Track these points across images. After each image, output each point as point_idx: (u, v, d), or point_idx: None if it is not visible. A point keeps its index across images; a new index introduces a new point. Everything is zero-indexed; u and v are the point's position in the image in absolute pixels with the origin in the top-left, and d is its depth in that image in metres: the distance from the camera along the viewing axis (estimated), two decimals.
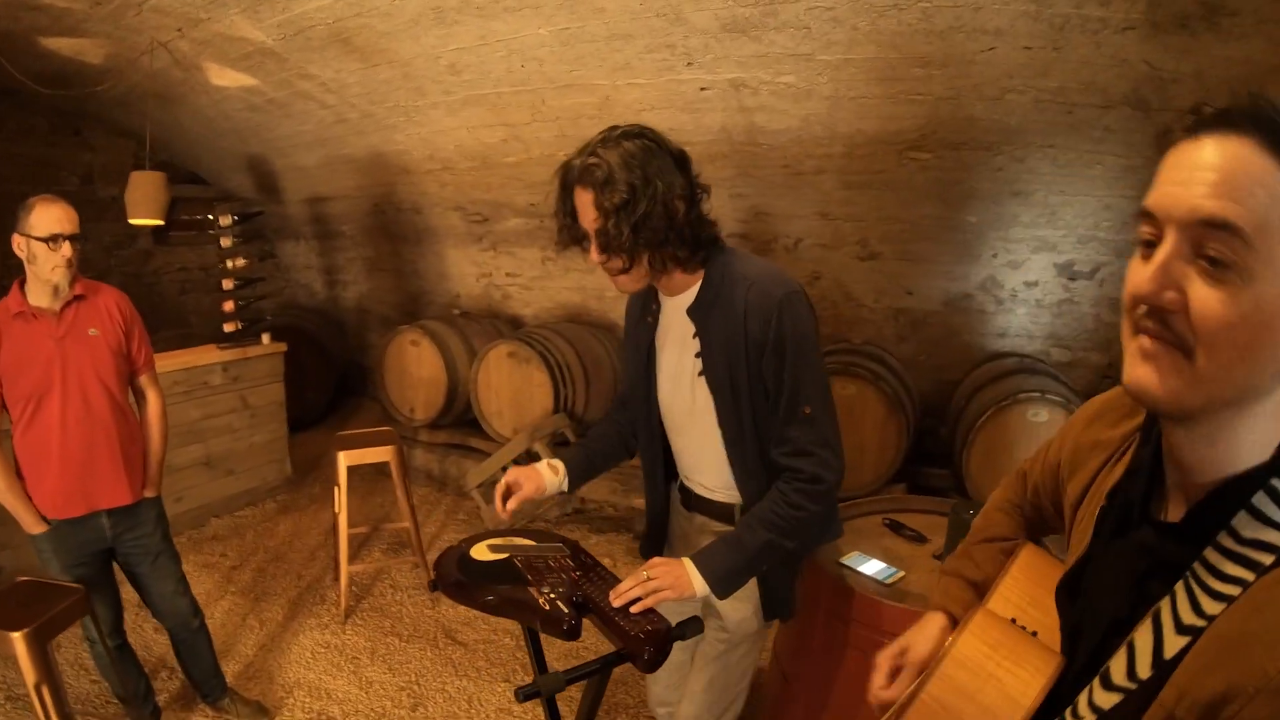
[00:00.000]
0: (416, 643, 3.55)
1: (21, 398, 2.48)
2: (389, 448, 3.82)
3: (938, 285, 4.75)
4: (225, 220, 4.94)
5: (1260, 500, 0.73)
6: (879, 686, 1.20)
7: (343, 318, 7.70)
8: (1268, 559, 0.71)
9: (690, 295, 1.79)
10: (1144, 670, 0.76)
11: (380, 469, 3.88)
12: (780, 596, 1.88)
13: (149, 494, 2.74)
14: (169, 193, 4.91)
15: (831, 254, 4.85)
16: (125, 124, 6.41)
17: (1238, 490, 0.75)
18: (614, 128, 1.66)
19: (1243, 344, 0.69)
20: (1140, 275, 0.73)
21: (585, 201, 1.64)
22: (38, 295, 2.52)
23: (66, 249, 2.48)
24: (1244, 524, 0.73)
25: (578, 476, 2.04)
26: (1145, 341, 0.74)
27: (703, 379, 1.79)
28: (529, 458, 4.79)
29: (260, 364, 5.19)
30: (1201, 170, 0.70)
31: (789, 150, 4.28)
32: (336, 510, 3.75)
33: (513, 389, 5.10)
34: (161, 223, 5.07)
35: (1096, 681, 0.80)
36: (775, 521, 1.70)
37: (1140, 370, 0.75)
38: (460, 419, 5.69)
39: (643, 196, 1.58)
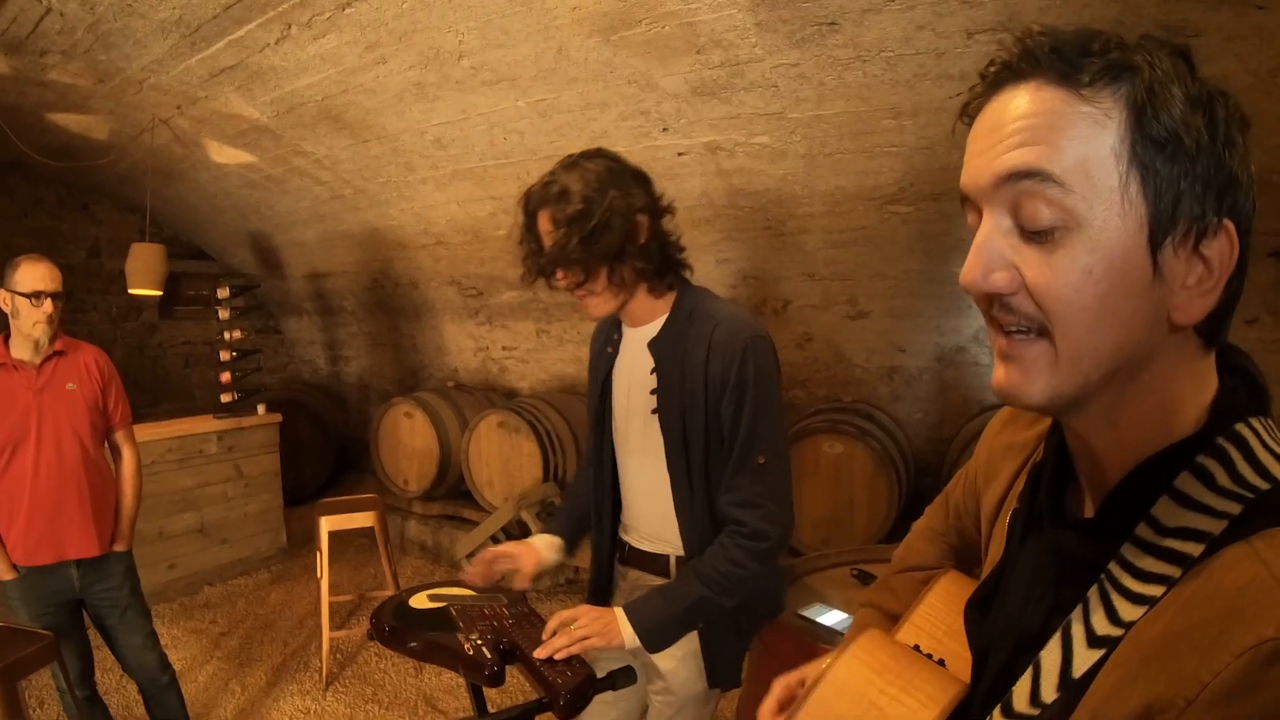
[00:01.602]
0: (396, 710, 3.46)
1: None
2: (371, 513, 3.80)
3: (929, 340, 4.72)
4: (223, 293, 5.08)
5: (1184, 481, 0.62)
6: (767, 711, 1.05)
7: (344, 393, 7.77)
8: (1195, 549, 0.60)
9: (654, 327, 1.77)
10: (1049, 693, 0.64)
11: (372, 541, 3.86)
12: (724, 663, 1.79)
13: (118, 548, 2.76)
14: (167, 265, 5.04)
15: (821, 314, 4.86)
16: (131, 199, 6.64)
17: (1157, 472, 0.64)
18: (571, 154, 1.69)
19: (1097, 302, 0.61)
20: (966, 264, 0.65)
21: (544, 221, 1.65)
22: (19, 349, 2.61)
23: (48, 305, 2.58)
24: (1166, 511, 0.62)
25: (571, 542, 2.00)
26: (999, 340, 0.66)
27: (655, 417, 1.75)
28: (519, 526, 4.74)
29: (255, 434, 5.23)
30: (995, 131, 0.64)
31: (770, 211, 4.34)
32: (319, 575, 3.71)
33: (503, 458, 5.08)
34: (160, 293, 5.19)
35: (997, 710, 0.68)
36: (713, 577, 1.63)
37: (1000, 372, 0.66)
38: (453, 490, 5.66)
39: (597, 208, 1.58)
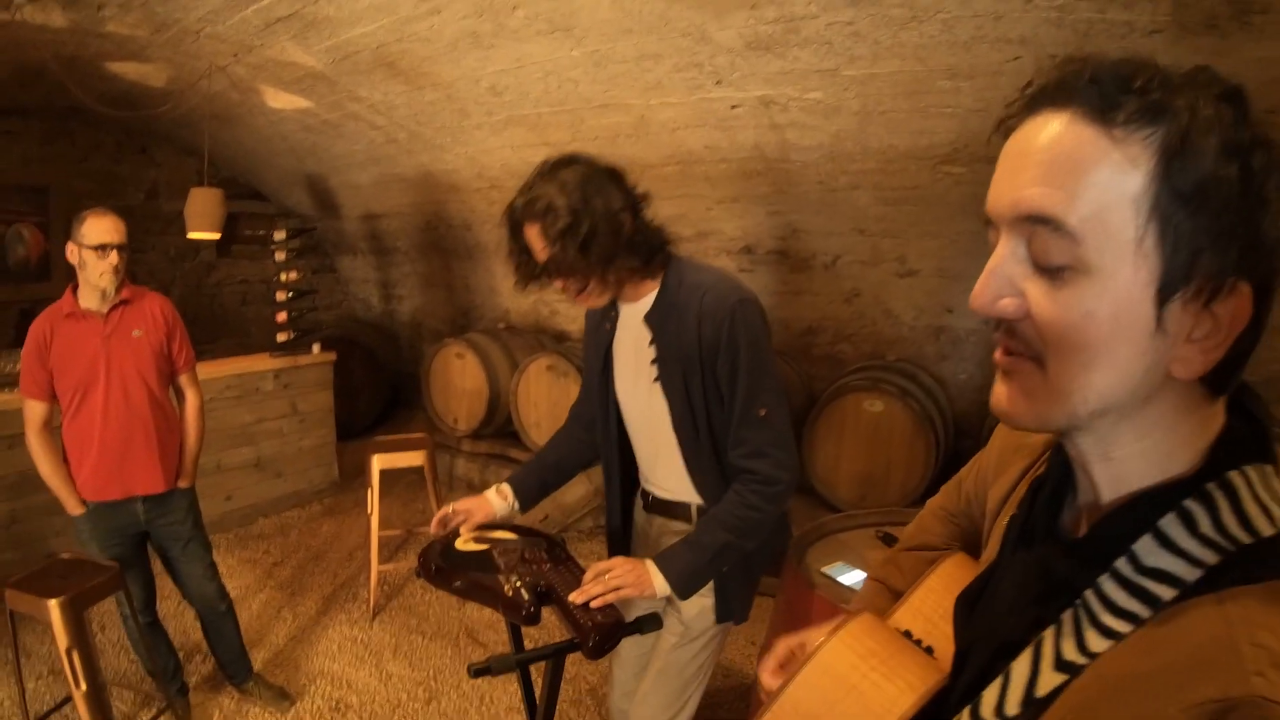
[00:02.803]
0: (439, 641, 3.65)
1: (69, 389, 2.69)
2: (421, 452, 3.94)
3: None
4: (280, 235, 5.22)
5: (1169, 524, 0.62)
6: (767, 670, 1.13)
7: (397, 331, 7.95)
8: (1169, 593, 0.61)
9: (647, 302, 1.87)
10: (1012, 707, 0.66)
11: (422, 477, 4.02)
12: (734, 599, 1.92)
13: (182, 484, 2.92)
14: (226, 208, 5.18)
15: (870, 271, 4.84)
16: (189, 142, 6.77)
17: (1145, 509, 0.65)
18: (545, 161, 1.77)
19: (1093, 346, 0.61)
20: (977, 285, 0.66)
21: (533, 235, 1.73)
22: (87, 298, 2.74)
23: (113, 257, 2.69)
24: (1147, 550, 0.63)
25: (528, 499, 2.11)
26: (1000, 357, 0.67)
27: (658, 385, 1.86)
28: None
29: (310, 372, 5.43)
30: (1023, 157, 0.63)
31: (822, 166, 4.31)
32: (369, 511, 3.88)
33: (551, 401, 5.20)
34: (218, 236, 5.35)
35: (966, 712, 0.70)
36: (733, 523, 1.76)
37: (998, 389, 0.68)
38: (501, 430, 5.81)
39: (585, 217, 1.67)
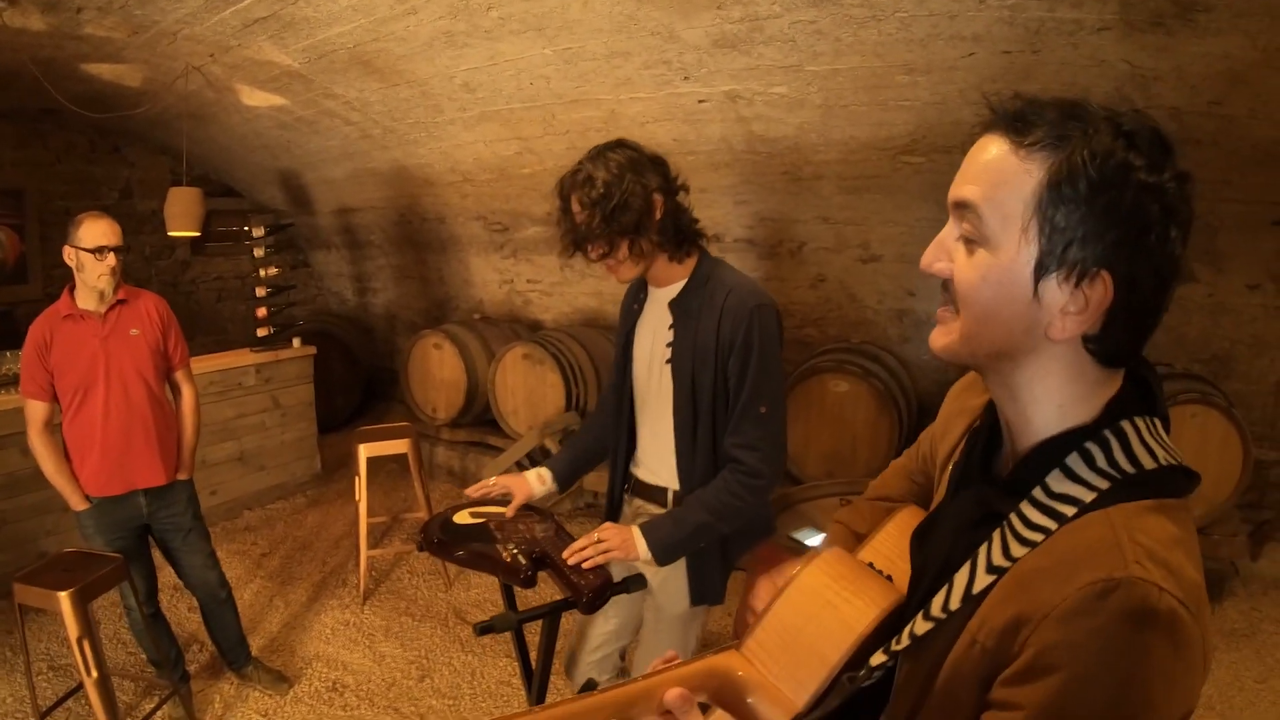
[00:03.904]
0: (428, 622, 3.79)
1: (69, 389, 2.78)
2: (405, 440, 4.07)
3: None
4: (258, 231, 5.27)
5: (1073, 460, 0.82)
6: (756, 600, 1.37)
7: (372, 324, 8.02)
8: (1070, 511, 0.80)
9: (674, 290, 2.04)
10: (955, 603, 0.84)
11: (404, 466, 4.13)
12: (709, 584, 2.08)
13: (181, 476, 3.03)
14: (205, 206, 5.23)
15: (834, 257, 5.01)
16: (162, 141, 6.79)
17: (1054, 450, 0.84)
18: (596, 146, 1.96)
19: (987, 301, 0.82)
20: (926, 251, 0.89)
21: (575, 204, 1.92)
22: (85, 299, 2.83)
23: (111, 259, 2.79)
24: (1056, 480, 0.82)
25: (564, 480, 2.28)
26: (939, 309, 0.89)
27: (669, 367, 2.02)
28: (542, 453, 5.01)
29: (291, 366, 5.51)
30: (968, 165, 0.85)
31: (787, 157, 4.46)
32: (357, 499, 4.00)
33: (527, 389, 5.33)
34: (198, 234, 5.39)
35: (920, 614, 0.89)
36: (715, 506, 1.93)
37: (934, 331, 0.90)
38: (479, 418, 5.93)
39: (616, 190, 1.86)
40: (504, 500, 2.19)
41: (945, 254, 0.87)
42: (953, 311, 0.87)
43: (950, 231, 0.87)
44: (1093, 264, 0.78)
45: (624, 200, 1.86)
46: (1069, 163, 0.77)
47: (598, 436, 2.37)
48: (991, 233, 0.81)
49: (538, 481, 2.21)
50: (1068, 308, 0.80)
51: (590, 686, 1.94)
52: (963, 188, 0.84)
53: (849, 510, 1.44)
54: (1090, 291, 0.79)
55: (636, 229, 1.90)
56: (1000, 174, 0.81)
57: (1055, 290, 0.80)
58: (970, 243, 0.83)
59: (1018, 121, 0.81)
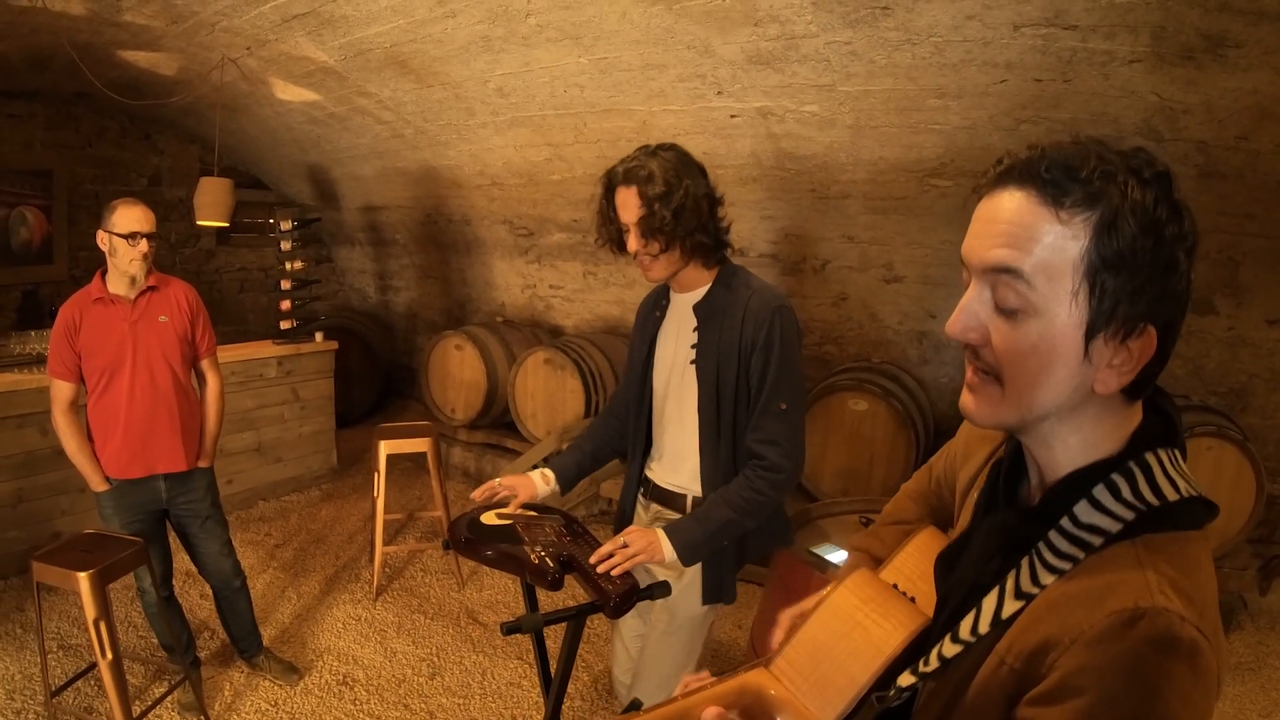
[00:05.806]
0: (440, 620, 3.81)
1: (96, 371, 2.82)
2: (426, 439, 4.09)
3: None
4: (285, 224, 5.33)
5: (1099, 492, 0.83)
6: (778, 641, 1.36)
7: (392, 321, 8.08)
8: (1097, 541, 0.82)
9: (698, 294, 2.08)
10: (985, 627, 0.86)
11: (419, 464, 4.15)
12: (721, 581, 2.10)
13: (202, 464, 3.06)
14: (235, 197, 5.29)
15: (857, 276, 5.02)
16: (193, 130, 6.88)
17: (1081, 482, 0.85)
18: (647, 145, 2.00)
19: (1037, 370, 0.81)
20: (951, 317, 0.86)
21: (627, 197, 1.95)
22: (116, 284, 2.87)
23: (143, 245, 2.83)
24: (1083, 511, 0.83)
25: (568, 480, 2.29)
26: (969, 372, 0.89)
27: (693, 367, 2.06)
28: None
29: (312, 360, 5.56)
30: (992, 223, 0.82)
31: (815, 175, 4.48)
32: (375, 495, 4.02)
33: (547, 393, 5.36)
34: (227, 225, 5.46)
35: (947, 637, 0.90)
36: (738, 503, 1.95)
37: (965, 397, 0.90)
38: (498, 420, 5.96)
39: (677, 190, 1.91)
40: (530, 504, 2.21)
41: (976, 321, 0.85)
42: (992, 380, 0.86)
43: (979, 296, 0.84)
44: (1140, 319, 0.79)
45: (684, 201, 1.91)
46: (1116, 227, 0.77)
47: (604, 439, 2.38)
48: (1041, 300, 0.80)
49: (542, 481, 2.24)
50: (1113, 361, 0.81)
51: (635, 706, 1.96)
52: (998, 251, 0.81)
53: (867, 536, 1.46)
54: (1134, 344, 0.80)
55: (693, 230, 1.95)
56: (1041, 236, 0.79)
57: (1103, 348, 0.80)
58: (1013, 312, 0.81)
59: (1050, 182, 0.79)
